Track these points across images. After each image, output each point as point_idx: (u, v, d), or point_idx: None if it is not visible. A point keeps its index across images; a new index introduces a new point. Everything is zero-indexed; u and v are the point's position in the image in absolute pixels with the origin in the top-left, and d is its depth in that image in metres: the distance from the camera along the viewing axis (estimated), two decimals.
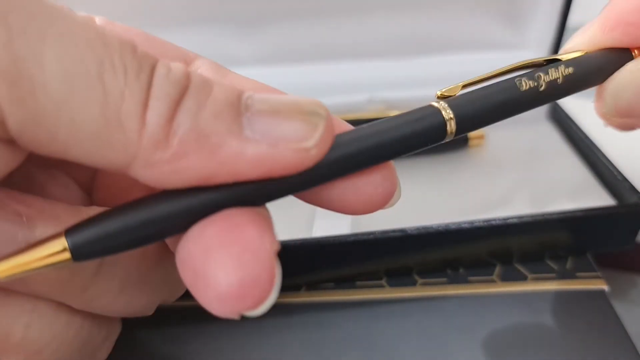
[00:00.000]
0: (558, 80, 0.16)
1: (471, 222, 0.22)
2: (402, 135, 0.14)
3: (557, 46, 0.31)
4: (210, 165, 0.11)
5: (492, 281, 0.23)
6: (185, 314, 0.22)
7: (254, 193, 0.12)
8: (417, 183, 0.27)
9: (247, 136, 0.12)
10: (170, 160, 0.11)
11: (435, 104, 0.14)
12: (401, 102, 0.31)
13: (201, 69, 0.16)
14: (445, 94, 0.15)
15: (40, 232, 0.12)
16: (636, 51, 0.18)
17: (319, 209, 0.25)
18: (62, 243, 0.11)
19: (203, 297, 0.12)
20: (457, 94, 0.15)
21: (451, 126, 0.14)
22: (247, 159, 0.12)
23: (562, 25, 0.30)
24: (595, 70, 0.18)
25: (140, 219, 0.12)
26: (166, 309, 0.22)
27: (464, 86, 0.15)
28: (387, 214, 0.25)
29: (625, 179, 0.24)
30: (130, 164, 0.11)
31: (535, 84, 0.16)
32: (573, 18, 0.30)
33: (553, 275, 0.23)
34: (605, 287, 0.23)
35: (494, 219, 0.22)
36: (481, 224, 0.22)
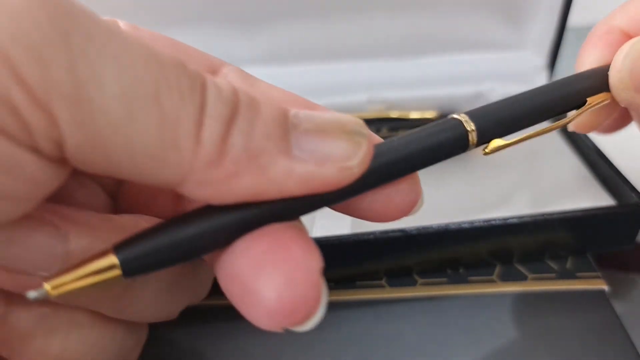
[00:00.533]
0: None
1: (471, 222, 0.22)
2: (427, 147, 0.14)
3: (557, 46, 0.31)
4: (261, 184, 0.12)
5: (492, 281, 0.23)
6: (184, 314, 0.22)
7: (295, 207, 0.13)
8: None
9: (296, 155, 0.12)
10: (224, 179, 0.11)
11: (457, 116, 0.15)
12: (401, 102, 0.31)
13: (229, 76, 0.16)
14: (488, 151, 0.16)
15: (75, 243, 0.12)
16: None
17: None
18: (111, 260, 0.12)
19: (251, 312, 0.12)
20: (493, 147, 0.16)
21: (473, 137, 0.15)
22: (295, 177, 0.12)
23: (562, 25, 0.30)
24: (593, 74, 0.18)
25: (189, 234, 0.12)
26: None
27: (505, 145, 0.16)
28: None
29: (625, 179, 0.24)
30: (183, 183, 0.11)
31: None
32: (573, 18, 0.30)
33: (553, 275, 0.23)
34: (605, 287, 0.23)
35: (494, 219, 0.22)
36: (481, 224, 0.22)
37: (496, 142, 0.16)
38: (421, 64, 0.32)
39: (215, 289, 0.22)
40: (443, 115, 0.30)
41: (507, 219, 0.22)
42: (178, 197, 0.16)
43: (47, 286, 0.11)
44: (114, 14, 0.31)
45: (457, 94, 0.31)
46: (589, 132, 0.21)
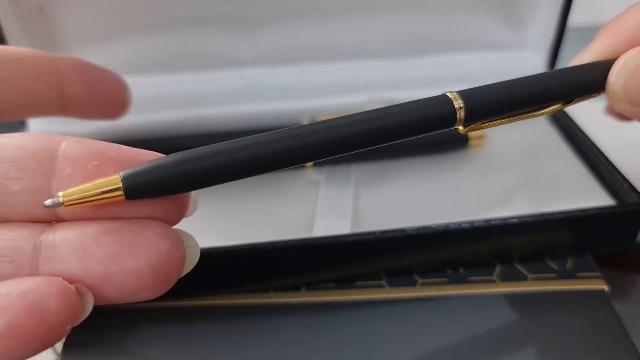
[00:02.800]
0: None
1: (471, 222, 0.22)
2: (417, 119, 0.16)
3: (557, 46, 0.31)
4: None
5: (492, 281, 0.23)
6: (184, 313, 0.22)
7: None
8: (417, 183, 0.27)
9: None
10: None
11: (449, 94, 0.16)
12: (401, 102, 0.31)
13: (66, 151, 0.15)
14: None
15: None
16: None
17: (319, 208, 0.25)
18: (118, 184, 0.13)
19: None
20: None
21: (460, 114, 0.16)
22: None
23: (562, 25, 0.30)
24: (592, 72, 0.18)
25: (182, 171, 0.14)
26: (165, 308, 0.22)
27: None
28: (387, 214, 0.25)
29: (625, 179, 0.24)
30: None
31: None
32: (573, 18, 0.30)
33: (553, 275, 0.23)
34: (605, 287, 0.23)
35: (494, 219, 0.22)
36: (481, 224, 0.22)
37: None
38: (421, 64, 0.32)
39: (217, 290, 0.22)
40: None
41: (507, 219, 0.22)
42: None
43: (61, 197, 0.13)
44: (114, 14, 0.31)
45: None
46: None
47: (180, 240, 0.14)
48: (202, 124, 0.29)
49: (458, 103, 0.16)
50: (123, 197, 0.14)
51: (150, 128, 0.29)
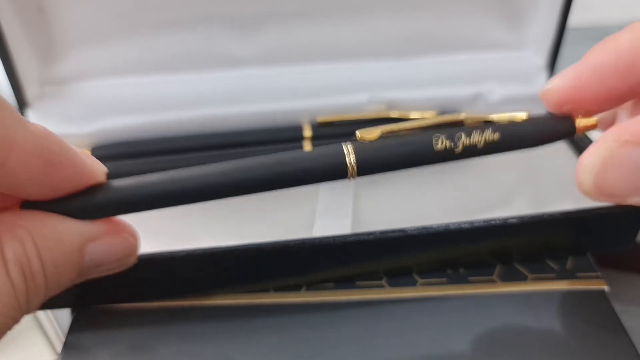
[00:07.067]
0: (478, 145, 0.17)
1: (471, 222, 0.22)
2: (311, 168, 0.16)
3: (557, 46, 0.31)
4: None
5: (492, 281, 0.23)
6: (184, 313, 0.22)
7: None
8: (417, 183, 0.27)
9: None
10: None
11: (344, 147, 0.16)
12: (401, 102, 0.31)
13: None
14: (364, 136, 0.17)
15: None
16: (580, 120, 0.18)
17: (319, 208, 0.25)
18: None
19: None
20: (374, 138, 0.17)
21: (352, 169, 0.16)
22: None
23: (562, 25, 0.30)
24: (526, 136, 0.18)
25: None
26: (167, 308, 0.22)
27: (383, 132, 0.17)
28: (387, 214, 0.25)
29: None
30: None
31: (452, 144, 0.17)
32: (573, 18, 0.30)
33: (553, 275, 0.23)
34: (605, 287, 0.23)
35: (494, 219, 0.22)
36: (481, 224, 0.22)
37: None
38: (421, 64, 0.32)
39: (218, 290, 0.22)
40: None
41: (507, 219, 0.22)
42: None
43: None
44: (114, 14, 0.31)
45: (457, 94, 0.31)
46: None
47: None
48: (202, 124, 0.29)
49: (350, 159, 0.16)
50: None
51: (150, 128, 0.29)
